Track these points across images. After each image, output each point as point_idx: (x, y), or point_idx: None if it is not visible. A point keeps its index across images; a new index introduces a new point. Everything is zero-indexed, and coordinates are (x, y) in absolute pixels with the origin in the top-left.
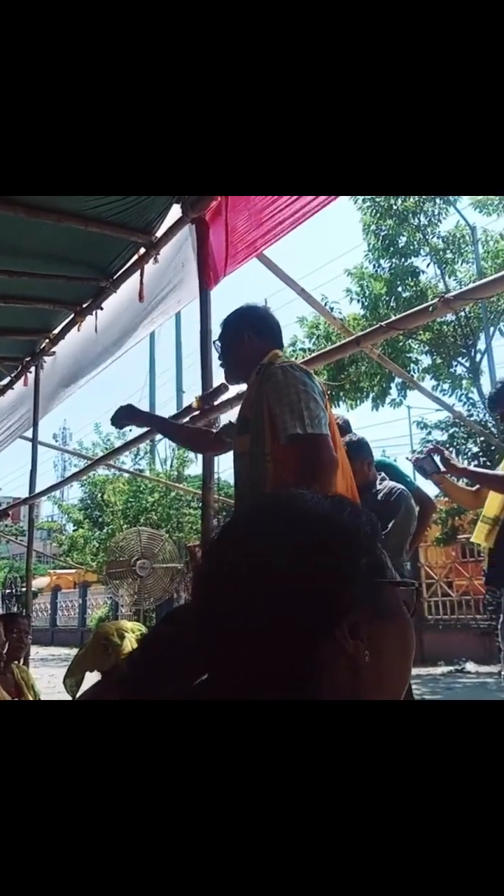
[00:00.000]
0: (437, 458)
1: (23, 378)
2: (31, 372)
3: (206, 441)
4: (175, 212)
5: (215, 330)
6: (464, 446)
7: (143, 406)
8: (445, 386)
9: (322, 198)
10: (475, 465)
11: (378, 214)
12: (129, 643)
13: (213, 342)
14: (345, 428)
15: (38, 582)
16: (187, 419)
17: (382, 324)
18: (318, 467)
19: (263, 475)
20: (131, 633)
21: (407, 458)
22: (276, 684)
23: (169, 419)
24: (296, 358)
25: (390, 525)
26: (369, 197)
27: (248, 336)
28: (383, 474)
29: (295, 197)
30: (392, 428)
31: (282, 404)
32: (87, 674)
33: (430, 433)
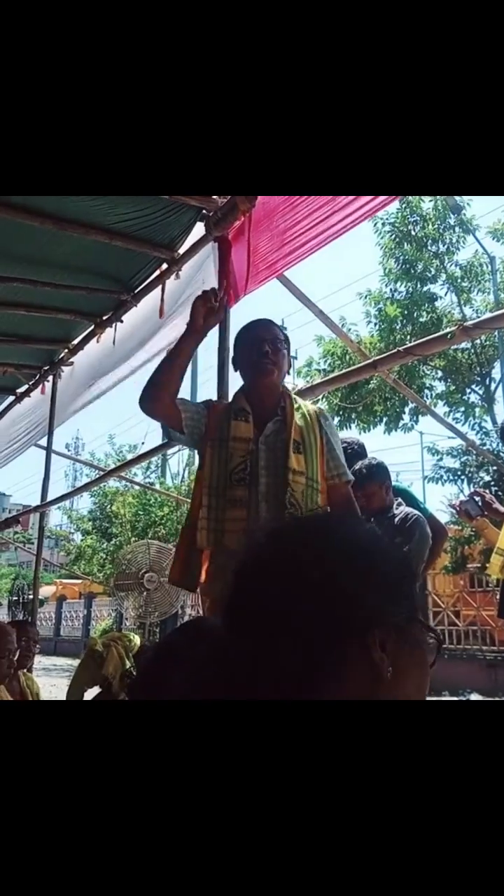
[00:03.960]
0: (478, 501)
1: (40, 386)
2: (48, 381)
3: (173, 392)
4: (199, 229)
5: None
6: (476, 475)
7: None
8: (458, 414)
9: (344, 222)
10: (490, 495)
11: (397, 239)
12: (115, 651)
13: (279, 342)
14: (360, 452)
15: (44, 591)
16: None
17: (400, 349)
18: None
19: (315, 500)
20: (117, 643)
21: (449, 504)
22: (304, 673)
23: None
24: (311, 378)
25: (405, 550)
26: (389, 222)
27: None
28: (400, 499)
29: (317, 220)
30: (403, 453)
31: (337, 449)
32: (89, 690)
33: (441, 459)
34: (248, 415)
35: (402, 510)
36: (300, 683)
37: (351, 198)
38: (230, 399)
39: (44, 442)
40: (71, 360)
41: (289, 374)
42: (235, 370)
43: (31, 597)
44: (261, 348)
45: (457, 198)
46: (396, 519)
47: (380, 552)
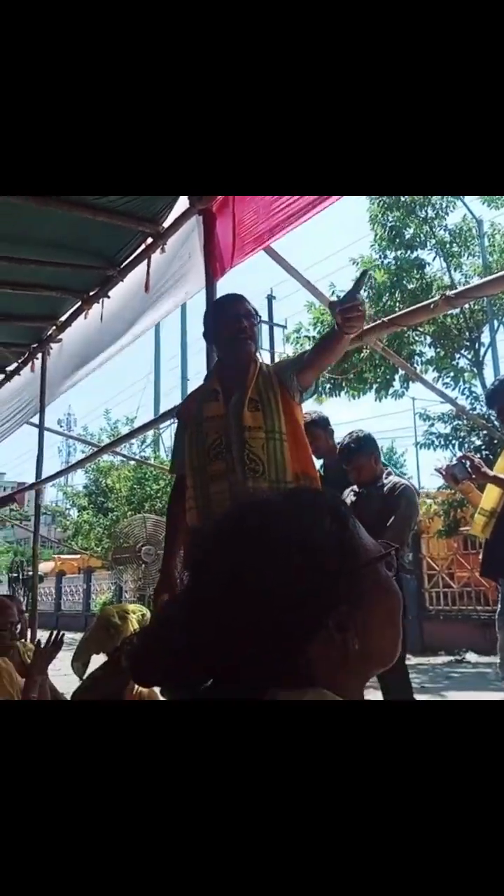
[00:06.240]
0: (467, 465)
1: (30, 364)
2: (37, 358)
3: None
4: (183, 202)
5: None
6: (466, 439)
7: (148, 393)
8: (448, 379)
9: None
10: (479, 459)
11: (385, 206)
12: (131, 624)
13: (252, 317)
14: (322, 423)
15: (43, 567)
16: None
17: (384, 319)
18: None
19: (281, 451)
20: (132, 615)
21: (436, 468)
22: (271, 680)
23: None
24: (300, 345)
25: (392, 518)
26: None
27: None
28: (389, 468)
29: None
30: (396, 419)
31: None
32: (94, 656)
33: (432, 425)
34: (219, 393)
35: (390, 480)
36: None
37: None
38: (201, 384)
39: (36, 420)
40: (59, 336)
41: (259, 346)
42: (208, 344)
43: (30, 573)
44: (239, 324)
45: None
46: (385, 488)
47: (295, 536)
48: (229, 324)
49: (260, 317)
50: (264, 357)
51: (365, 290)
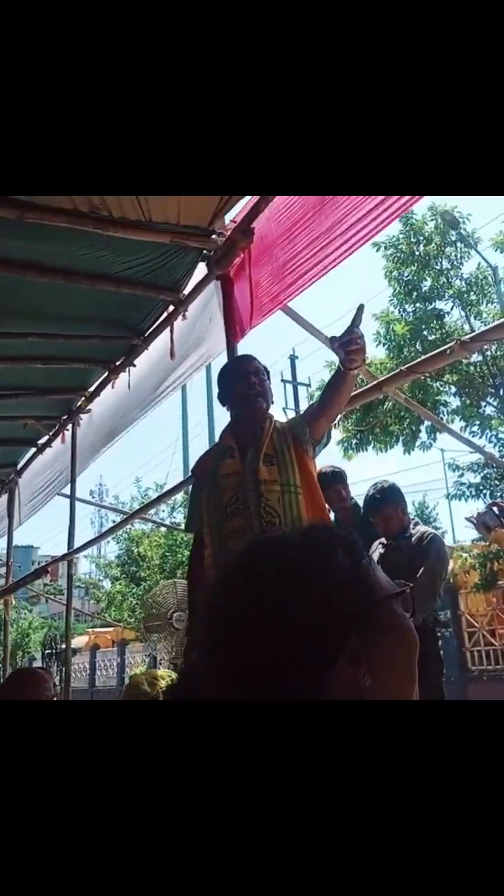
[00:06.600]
0: (496, 512)
1: (60, 436)
2: (67, 429)
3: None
4: (201, 269)
5: None
6: (497, 488)
7: (177, 459)
8: (475, 427)
9: (343, 248)
10: None
11: (399, 261)
12: (161, 690)
13: (261, 374)
14: (337, 477)
15: (77, 641)
16: None
17: (403, 368)
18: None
19: (297, 504)
20: (161, 681)
21: (467, 518)
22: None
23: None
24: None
25: (422, 569)
26: (391, 244)
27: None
28: (417, 519)
29: (316, 249)
30: (425, 472)
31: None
32: None
33: (462, 475)
34: (234, 450)
35: (418, 529)
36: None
37: (348, 224)
38: (216, 441)
39: (67, 490)
40: (88, 407)
41: (273, 402)
42: (223, 406)
43: (63, 647)
44: (248, 381)
45: (453, 213)
46: (413, 539)
47: (324, 569)
48: (239, 382)
49: (269, 373)
50: (285, 414)
51: (385, 343)
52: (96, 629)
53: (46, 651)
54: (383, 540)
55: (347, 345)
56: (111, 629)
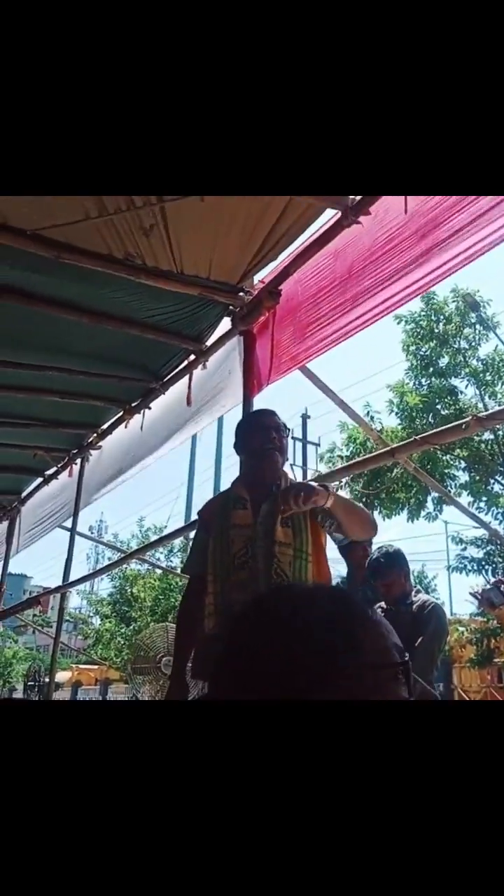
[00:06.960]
0: (502, 589)
1: (68, 469)
2: (76, 463)
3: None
4: (225, 323)
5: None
6: (501, 564)
7: (180, 504)
8: (482, 503)
9: (365, 317)
10: None
11: (419, 336)
12: None
13: (281, 430)
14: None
15: (61, 676)
16: None
17: (417, 437)
18: None
19: (305, 570)
20: None
21: (471, 593)
22: None
23: None
24: (333, 464)
25: (421, 637)
26: (412, 319)
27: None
28: (418, 586)
29: (339, 314)
30: (427, 542)
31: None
32: None
33: (465, 549)
34: (247, 502)
35: (420, 597)
36: None
37: (372, 293)
38: (226, 488)
39: (68, 524)
40: (99, 444)
41: (287, 459)
42: (238, 454)
43: (46, 681)
44: (268, 434)
45: (475, 296)
46: (414, 606)
47: (327, 623)
48: (259, 434)
49: (290, 431)
50: (297, 474)
51: (397, 412)
52: (80, 665)
53: (29, 683)
54: (383, 604)
55: (297, 496)
56: (96, 667)
